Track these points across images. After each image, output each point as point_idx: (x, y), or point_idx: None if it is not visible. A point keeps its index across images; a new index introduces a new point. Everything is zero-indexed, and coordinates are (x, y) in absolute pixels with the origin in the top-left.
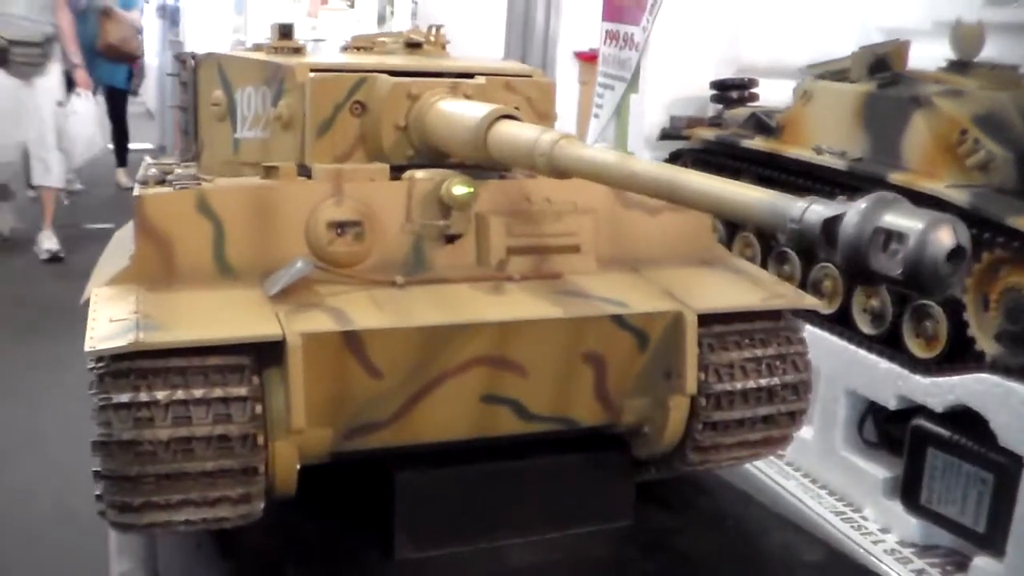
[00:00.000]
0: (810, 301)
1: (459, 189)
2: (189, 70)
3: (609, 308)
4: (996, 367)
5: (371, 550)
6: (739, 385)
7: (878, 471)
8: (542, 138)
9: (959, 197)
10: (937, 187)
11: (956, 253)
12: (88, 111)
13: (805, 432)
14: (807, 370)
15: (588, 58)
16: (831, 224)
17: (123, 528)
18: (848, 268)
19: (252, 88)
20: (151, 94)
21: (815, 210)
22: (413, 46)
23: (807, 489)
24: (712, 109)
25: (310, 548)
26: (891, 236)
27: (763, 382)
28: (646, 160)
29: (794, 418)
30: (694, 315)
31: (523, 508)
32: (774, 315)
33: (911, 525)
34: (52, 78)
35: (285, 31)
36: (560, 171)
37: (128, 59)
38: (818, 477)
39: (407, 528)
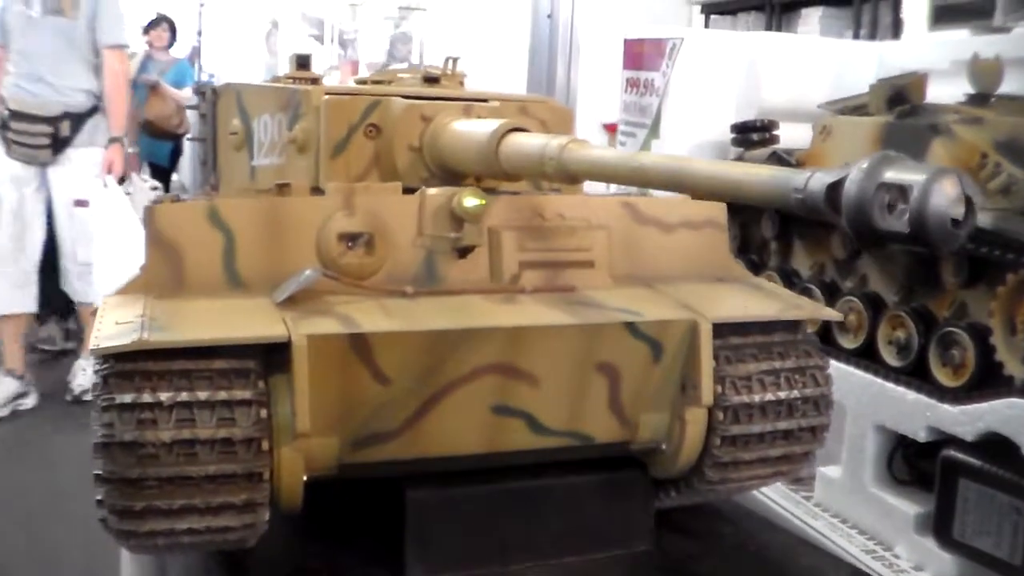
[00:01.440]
0: (829, 312)
1: (471, 201)
2: (208, 102)
3: (622, 316)
4: None
5: (381, 571)
6: (757, 398)
7: (909, 507)
8: (551, 143)
9: (981, 219)
10: None
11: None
12: (113, 214)
13: (833, 471)
14: (827, 384)
15: (615, 128)
16: (834, 188)
17: (124, 537)
18: (855, 233)
19: (269, 116)
20: (187, 169)
21: (818, 178)
22: (431, 80)
23: (836, 528)
24: (733, 152)
25: (318, 569)
26: (895, 192)
27: (782, 395)
28: (653, 153)
29: (815, 434)
30: (709, 324)
31: (539, 531)
32: (793, 328)
33: (945, 561)
34: (71, 167)
35: (303, 62)
36: (571, 175)
37: (168, 136)
38: (848, 517)
39: (418, 549)
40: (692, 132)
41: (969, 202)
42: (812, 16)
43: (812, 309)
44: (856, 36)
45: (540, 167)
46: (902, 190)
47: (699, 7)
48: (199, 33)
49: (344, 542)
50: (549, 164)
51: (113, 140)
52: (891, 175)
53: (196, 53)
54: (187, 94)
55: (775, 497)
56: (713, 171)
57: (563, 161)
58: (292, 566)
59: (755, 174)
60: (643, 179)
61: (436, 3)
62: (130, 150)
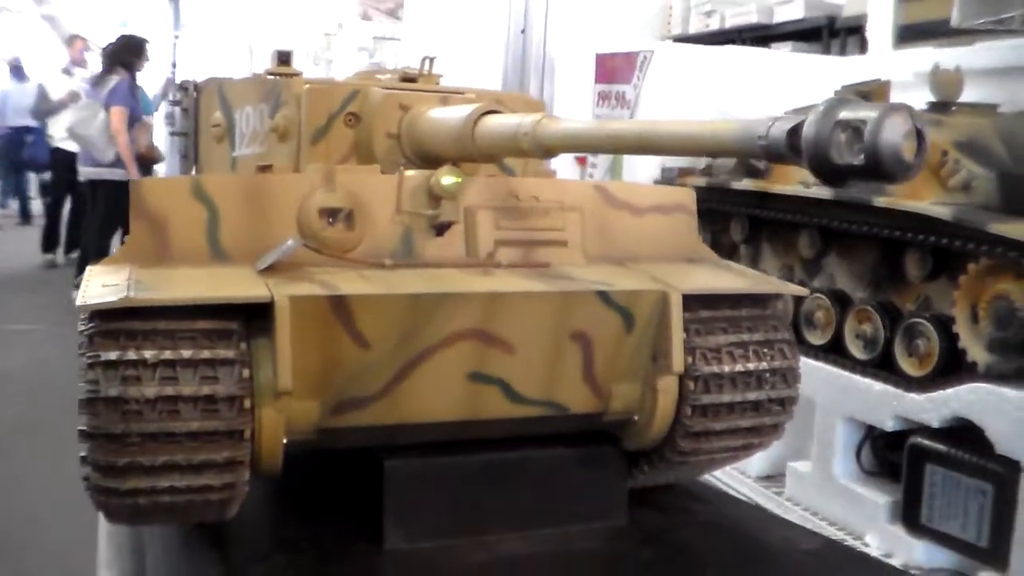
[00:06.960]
0: (795, 288)
1: (447, 179)
2: (191, 97)
3: (594, 286)
4: (990, 375)
5: (360, 541)
6: (727, 368)
7: (878, 496)
8: (524, 121)
9: (942, 212)
10: (921, 205)
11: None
12: None
13: (803, 466)
14: (795, 357)
15: (585, 161)
16: (794, 132)
17: (105, 495)
18: (815, 171)
19: (251, 107)
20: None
21: (779, 124)
22: (408, 80)
23: (807, 520)
24: (703, 160)
25: (298, 539)
26: (850, 130)
27: (751, 366)
28: (621, 120)
29: (784, 406)
30: (679, 295)
31: (515, 502)
32: (761, 303)
33: (914, 547)
34: None
35: (284, 57)
36: (546, 148)
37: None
38: (818, 509)
39: (397, 518)
40: None
41: (920, 134)
42: (782, 51)
43: (779, 285)
44: None
45: (515, 144)
46: (856, 127)
47: (671, 40)
48: (173, 65)
49: (323, 514)
50: (524, 140)
51: None
52: (846, 114)
53: (171, 84)
54: (151, 121)
55: (746, 492)
56: (681, 129)
57: (537, 135)
58: (272, 538)
59: (721, 128)
60: (616, 144)
61: (410, 33)
62: None
